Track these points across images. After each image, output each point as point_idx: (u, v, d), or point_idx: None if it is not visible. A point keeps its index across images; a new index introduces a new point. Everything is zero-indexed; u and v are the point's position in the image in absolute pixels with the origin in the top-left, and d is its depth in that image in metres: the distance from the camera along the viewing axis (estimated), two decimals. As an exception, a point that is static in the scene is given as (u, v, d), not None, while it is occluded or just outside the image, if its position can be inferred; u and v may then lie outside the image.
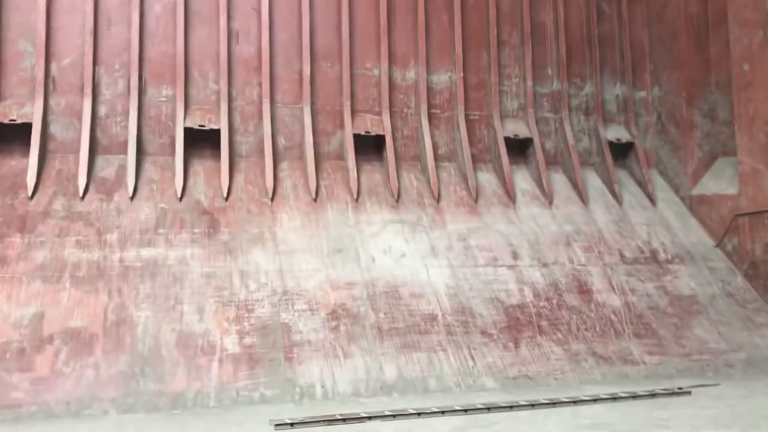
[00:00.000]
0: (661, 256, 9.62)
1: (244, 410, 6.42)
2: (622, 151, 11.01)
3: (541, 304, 8.47)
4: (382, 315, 7.80)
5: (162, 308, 7.34)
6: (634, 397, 6.65)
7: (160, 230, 8.13)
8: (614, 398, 6.58)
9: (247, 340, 7.22)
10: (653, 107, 11.24)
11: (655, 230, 10.02)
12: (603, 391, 6.95)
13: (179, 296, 7.50)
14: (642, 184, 10.70)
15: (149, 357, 6.87)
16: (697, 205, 10.38)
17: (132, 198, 8.40)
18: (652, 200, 10.49)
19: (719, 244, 9.93)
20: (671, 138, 10.88)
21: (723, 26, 10.25)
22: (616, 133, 10.96)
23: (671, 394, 6.82)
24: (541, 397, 6.59)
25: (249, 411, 6.37)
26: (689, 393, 6.87)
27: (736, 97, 9.72)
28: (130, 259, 7.75)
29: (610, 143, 10.76)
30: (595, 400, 6.50)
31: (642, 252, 9.59)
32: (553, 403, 6.36)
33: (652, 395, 6.73)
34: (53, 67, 8.65)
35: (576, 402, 6.43)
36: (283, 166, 9.35)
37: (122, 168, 8.66)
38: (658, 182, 10.87)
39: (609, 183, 10.48)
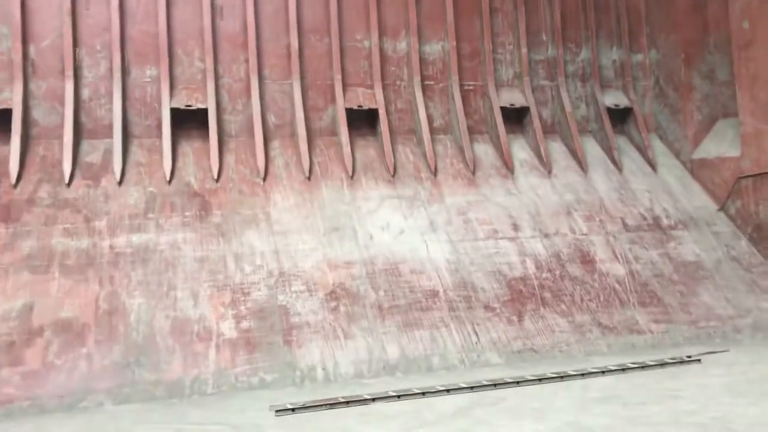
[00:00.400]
0: (664, 222, 9.43)
1: (244, 396, 6.24)
2: (620, 117, 10.76)
3: (544, 275, 8.29)
4: (382, 293, 7.61)
5: (155, 295, 7.13)
6: (643, 367, 6.50)
7: (150, 215, 7.89)
8: (623, 369, 6.42)
9: (244, 324, 7.02)
10: (651, 71, 10.97)
11: (656, 196, 9.82)
12: (610, 362, 6.79)
13: (172, 282, 7.29)
14: (642, 150, 10.47)
15: (144, 345, 6.67)
16: (698, 169, 10.17)
17: (120, 183, 8.15)
18: (652, 166, 10.27)
19: (722, 208, 9.73)
20: (670, 101, 10.64)
21: (721, -16, 9.98)
22: (613, 98, 10.70)
23: (681, 362, 6.67)
24: (548, 371, 6.42)
25: (249, 397, 6.20)
26: (699, 361, 6.71)
27: (737, 57, 9.46)
28: (120, 245, 7.52)
29: (608, 109, 10.50)
30: (603, 372, 6.34)
31: (644, 219, 9.40)
32: (561, 377, 6.20)
33: (662, 365, 6.57)
34: (31, 49, 8.33)
35: (584, 375, 6.27)
36: (275, 144, 9.09)
37: (108, 152, 8.39)
38: (657, 147, 10.63)
39: (608, 150, 10.25)
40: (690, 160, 10.29)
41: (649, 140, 10.49)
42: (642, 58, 10.99)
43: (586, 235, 8.96)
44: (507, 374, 6.44)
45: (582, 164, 9.93)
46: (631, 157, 10.40)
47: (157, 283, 7.24)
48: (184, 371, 6.55)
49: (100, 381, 6.31)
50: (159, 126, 8.67)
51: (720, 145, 9.99)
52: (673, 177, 10.24)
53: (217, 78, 9.00)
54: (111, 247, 7.48)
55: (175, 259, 7.51)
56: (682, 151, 10.44)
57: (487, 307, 7.74)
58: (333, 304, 7.40)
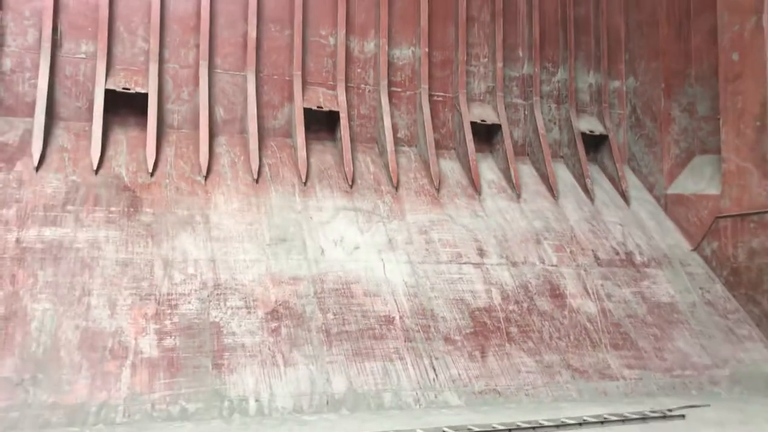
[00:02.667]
0: (638, 259, 8.78)
1: (160, 428, 5.22)
2: (593, 144, 10.15)
3: (510, 307, 7.50)
4: (330, 316, 6.68)
5: (65, 300, 6.06)
6: (624, 420, 5.72)
7: (69, 207, 6.82)
8: (601, 422, 5.63)
9: (168, 342, 6.00)
10: (627, 99, 10.42)
11: (629, 231, 9.18)
12: (582, 410, 6.01)
13: (87, 286, 6.22)
14: (614, 181, 9.86)
15: (44, 360, 5.58)
16: (672, 206, 9.59)
17: (37, 168, 7.06)
18: (625, 198, 9.65)
19: (696, 248, 9.15)
20: (646, 132, 10.08)
21: (706, 15, 9.47)
22: (588, 124, 10.09)
23: (663, 417, 5.92)
24: (517, 419, 5.59)
25: (165, 429, 5.18)
26: (683, 417, 5.98)
27: (723, 90, 8.93)
28: (29, 239, 6.42)
29: (582, 135, 9.87)
30: (580, 425, 5.53)
31: (617, 254, 8.73)
32: (533, 428, 5.37)
33: (643, 419, 5.81)
34: (-55, 6, 7.24)
35: (558, 426, 5.45)
36: (221, 140, 8.13)
37: (28, 133, 7.31)
38: (630, 179, 10.04)
39: (580, 177, 9.60)
40: (664, 195, 9.71)
41: (623, 171, 9.89)
42: (619, 85, 10.43)
43: (555, 266, 8.22)
44: (469, 419, 5.58)
45: (553, 190, 9.24)
46: (603, 188, 9.78)
47: (68, 287, 6.16)
48: (90, 394, 5.48)
49: (-16, 401, 5.21)
50: (90, 109, 7.64)
51: (697, 181, 9.44)
52: (646, 212, 9.64)
53: (161, 62, 8.03)
54: (18, 240, 6.38)
55: (93, 260, 6.45)
56: (656, 185, 9.86)
57: (447, 339, 6.89)
58: (274, 324, 6.44)
